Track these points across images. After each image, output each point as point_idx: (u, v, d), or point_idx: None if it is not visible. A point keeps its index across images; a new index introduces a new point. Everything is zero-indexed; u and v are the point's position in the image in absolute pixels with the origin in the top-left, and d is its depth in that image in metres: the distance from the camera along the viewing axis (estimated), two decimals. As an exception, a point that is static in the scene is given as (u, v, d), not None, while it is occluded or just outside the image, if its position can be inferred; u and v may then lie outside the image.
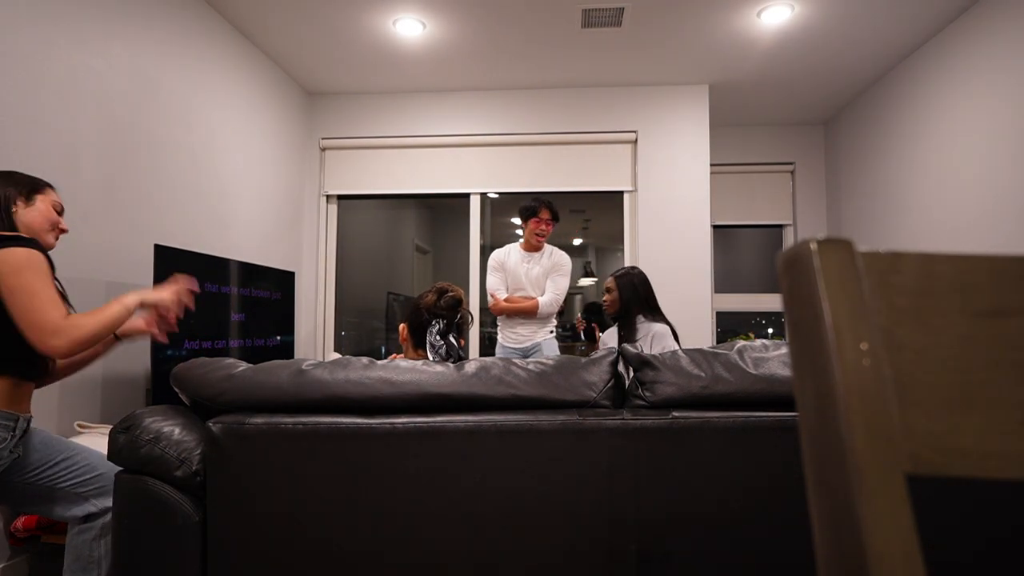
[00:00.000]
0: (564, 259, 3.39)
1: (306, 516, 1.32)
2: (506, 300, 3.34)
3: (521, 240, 3.46)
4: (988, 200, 3.19)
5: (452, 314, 1.85)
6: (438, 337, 1.80)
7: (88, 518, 1.71)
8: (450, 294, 1.88)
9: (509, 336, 3.39)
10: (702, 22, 3.53)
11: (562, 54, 3.96)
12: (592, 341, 3.01)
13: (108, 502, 1.69)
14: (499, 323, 3.47)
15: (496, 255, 3.46)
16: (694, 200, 4.38)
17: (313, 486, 1.32)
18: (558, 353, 3.15)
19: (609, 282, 2.98)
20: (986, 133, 3.21)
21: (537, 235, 3.33)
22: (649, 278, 2.97)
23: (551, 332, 3.41)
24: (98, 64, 2.57)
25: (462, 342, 2.06)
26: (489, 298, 3.40)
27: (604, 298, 3.01)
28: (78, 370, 1.91)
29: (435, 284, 1.95)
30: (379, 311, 5.42)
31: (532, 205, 3.32)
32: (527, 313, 3.29)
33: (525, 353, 3.37)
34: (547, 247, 3.43)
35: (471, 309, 4.61)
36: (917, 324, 0.33)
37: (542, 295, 3.33)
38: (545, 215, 3.29)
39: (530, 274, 3.35)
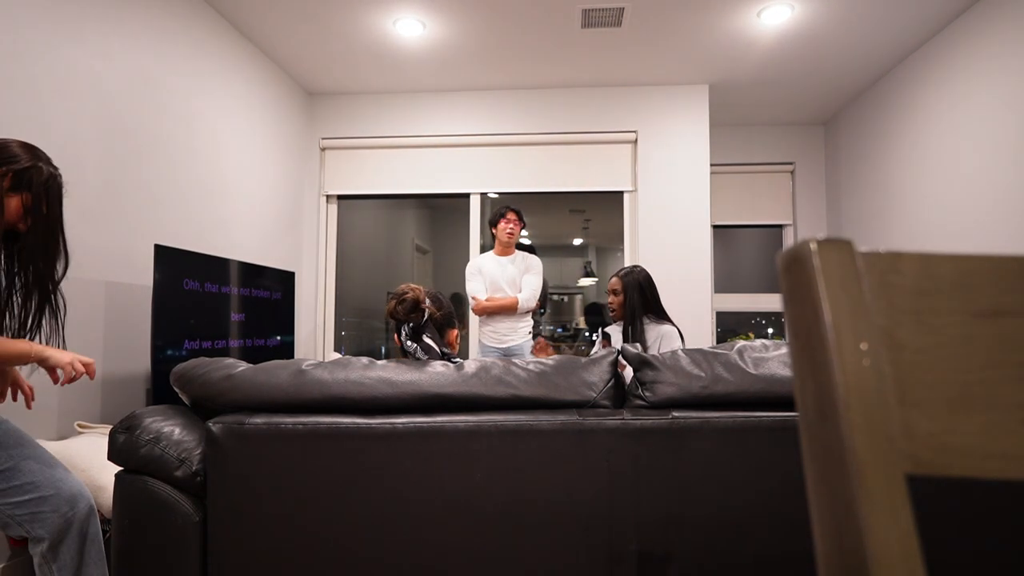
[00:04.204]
0: (535, 261, 3.66)
1: (306, 516, 1.32)
2: (487, 300, 3.58)
3: (493, 248, 3.72)
4: (988, 200, 3.19)
5: (414, 316, 1.80)
6: (410, 342, 1.76)
7: (34, 542, 1.49)
8: (407, 296, 1.80)
9: (488, 335, 3.63)
10: (702, 22, 3.53)
11: (562, 54, 3.95)
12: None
13: (44, 531, 1.47)
14: (480, 323, 3.71)
15: (472, 262, 3.72)
16: (694, 200, 4.37)
17: (313, 486, 1.31)
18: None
19: (614, 283, 2.92)
20: (986, 133, 3.21)
21: (508, 233, 3.57)
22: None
23: (528, 333, 3.65)
24: (98, 64, 2.57)
25: (454, 338, 2.02)
26: (471, 300, 3.64)
27: (609, 300, 2.96)
28: None
29: (394, 289, 1.88)
30: (379, 311, 5.42)
31: (499, 210, 3.61)
32: (508, 309, 3.54)
33: (505, 353, 3.60)
34: (518, 252, 3.67)
35: (469, 308, 4.61)
36: (917, 324, 0.33)
37: (519, 293, 3.58)
38: (512, 216, 3.58)
39: (506, 276, 3.60)
